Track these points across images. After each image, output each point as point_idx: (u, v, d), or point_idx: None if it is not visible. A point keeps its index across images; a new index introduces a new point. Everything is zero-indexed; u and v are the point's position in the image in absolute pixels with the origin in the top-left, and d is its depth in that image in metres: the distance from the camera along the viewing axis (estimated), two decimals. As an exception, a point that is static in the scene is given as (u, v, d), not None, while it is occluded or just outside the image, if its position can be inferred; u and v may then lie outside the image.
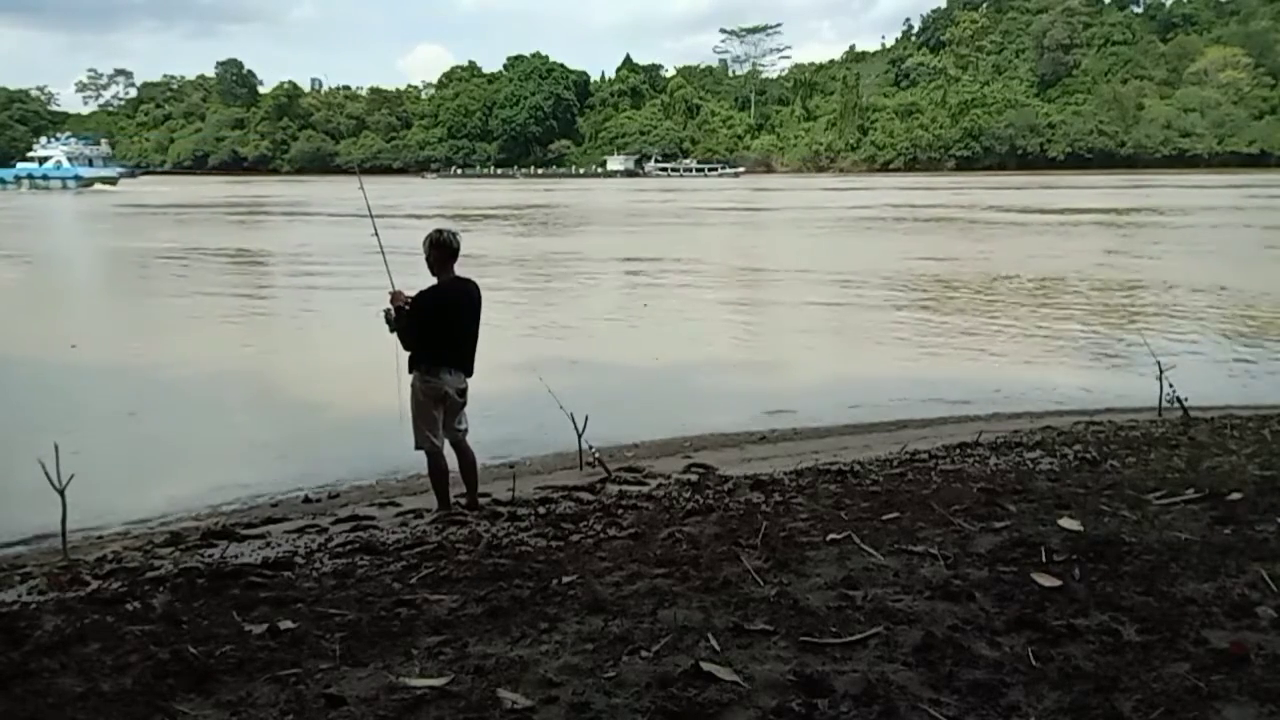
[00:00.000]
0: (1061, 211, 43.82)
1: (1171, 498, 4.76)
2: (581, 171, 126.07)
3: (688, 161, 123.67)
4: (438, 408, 5.78)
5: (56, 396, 10.65)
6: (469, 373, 5.86)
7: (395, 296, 5.73)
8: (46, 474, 5.23)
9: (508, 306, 16.25)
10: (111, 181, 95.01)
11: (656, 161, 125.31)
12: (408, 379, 5.80)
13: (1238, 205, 47.64)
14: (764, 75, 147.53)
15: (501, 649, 3.09)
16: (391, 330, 5.75)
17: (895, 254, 26.01)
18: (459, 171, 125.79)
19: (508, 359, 10.15)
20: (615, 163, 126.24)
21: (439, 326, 5.68)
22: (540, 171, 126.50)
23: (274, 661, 3.09)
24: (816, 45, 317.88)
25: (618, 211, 51.72)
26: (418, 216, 40.53)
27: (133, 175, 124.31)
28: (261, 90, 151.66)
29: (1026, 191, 65.75)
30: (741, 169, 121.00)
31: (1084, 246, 28.00)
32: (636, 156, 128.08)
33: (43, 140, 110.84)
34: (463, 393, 5.86)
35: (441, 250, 5.68)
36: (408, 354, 5.79)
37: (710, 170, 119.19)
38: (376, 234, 6.33)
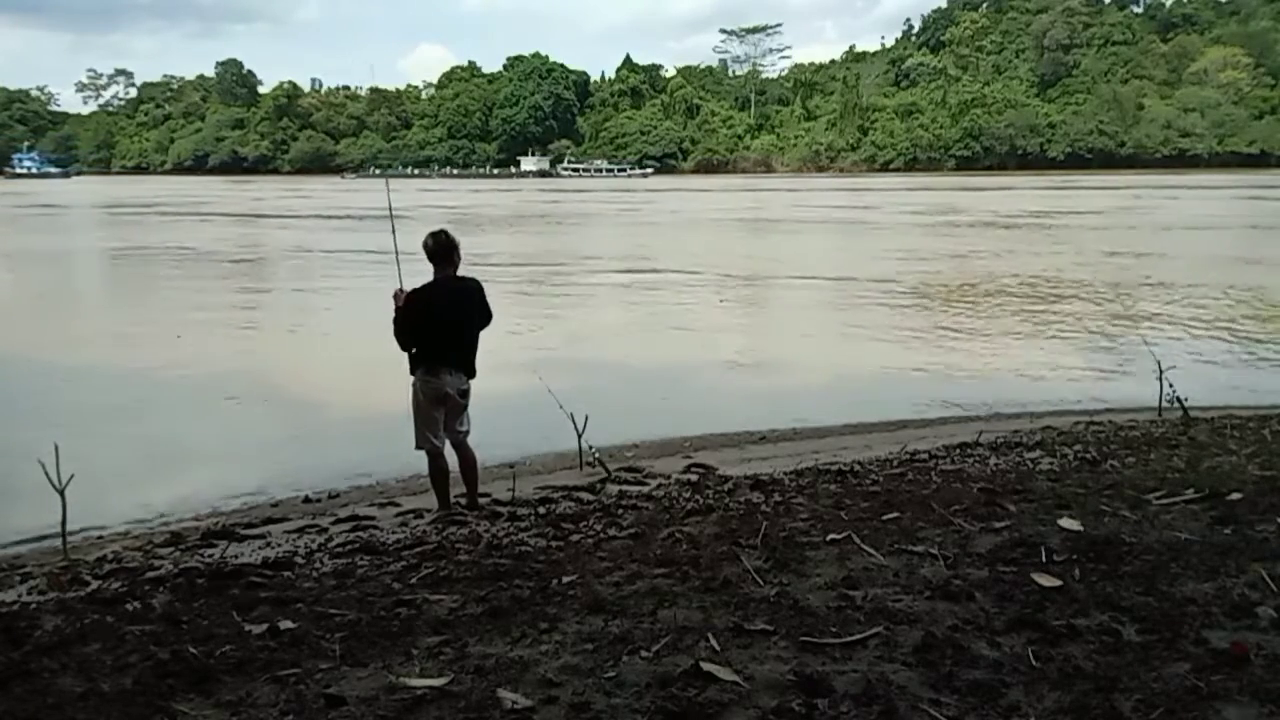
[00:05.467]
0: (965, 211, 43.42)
1: (1171, 498, 4.76)
2: (495, 172, 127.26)
3: (598, 163, 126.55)
4: (438, 408, 5.78)
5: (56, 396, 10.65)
6: (471, 374, 5.85)
7: (399, 295, 5.73)
8: (46, 474, 5.23)
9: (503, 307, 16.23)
10: None
11: (569, 162, 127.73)
12: (410, 380, 5.80)
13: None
14: (764, 75, 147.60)
15: (501, 649, 3.09)
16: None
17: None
18: (376, 171, 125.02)
19: (508, 360, 10.14)
20: (529, 163, 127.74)
21: (425, 324, 5.66)
22: (456, 173, 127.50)
23: (274, 661, 3.09)
24: (817, 45, 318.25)
25: (531, 215, 51.25)
26: (297, 216, 41.04)
27: (67, 176, 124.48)
28: (261, 90, 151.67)
29: (940, 193, 65.01)
30: (650, 170, 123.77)
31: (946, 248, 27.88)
32: (551, 157, 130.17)
33: None
34: (464, 394, 5.85)
35: (429, 250, 5.72)
36: (408, 355, 5.79)
37: (619, 171, 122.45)
38: (394, 233, 6.32)
